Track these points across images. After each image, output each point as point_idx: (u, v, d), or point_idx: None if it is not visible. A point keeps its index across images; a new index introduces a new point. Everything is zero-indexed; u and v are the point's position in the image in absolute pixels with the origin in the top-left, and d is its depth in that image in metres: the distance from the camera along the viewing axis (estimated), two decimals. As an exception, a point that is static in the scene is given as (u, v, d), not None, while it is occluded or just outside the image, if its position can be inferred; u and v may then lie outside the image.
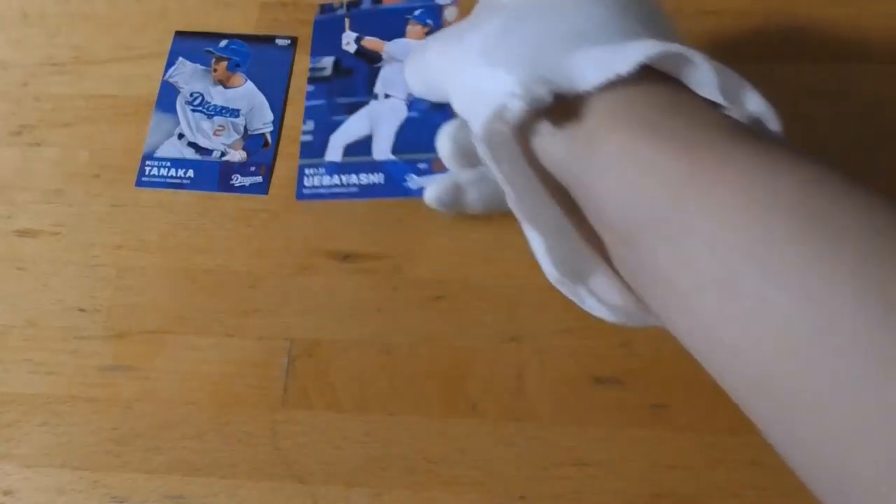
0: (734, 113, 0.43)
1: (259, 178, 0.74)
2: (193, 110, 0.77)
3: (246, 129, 0.74)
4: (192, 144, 0.76)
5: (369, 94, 0.65)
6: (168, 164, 0.75)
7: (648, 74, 0.40)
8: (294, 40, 0.75)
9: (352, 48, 0.66)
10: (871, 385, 0.28)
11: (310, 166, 0.65)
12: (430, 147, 0.58)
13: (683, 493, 0.63)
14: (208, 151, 0.75)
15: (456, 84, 0.45)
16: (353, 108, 0.66)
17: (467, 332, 0.69)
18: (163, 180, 0.75)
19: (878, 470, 0.28)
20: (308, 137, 0.66)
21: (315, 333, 0.70)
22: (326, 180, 0.65)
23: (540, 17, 0.41)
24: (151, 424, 0.68)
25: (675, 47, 0.39)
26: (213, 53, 0.78)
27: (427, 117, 0.62)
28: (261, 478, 0.66)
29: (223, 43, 0.78)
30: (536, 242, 0.46)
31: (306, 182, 0.67)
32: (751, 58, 0.76)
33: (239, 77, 0.75)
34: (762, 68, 0.76)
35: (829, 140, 0.73)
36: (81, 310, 0.73)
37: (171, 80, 0.79)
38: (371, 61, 0.66)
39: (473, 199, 0.60)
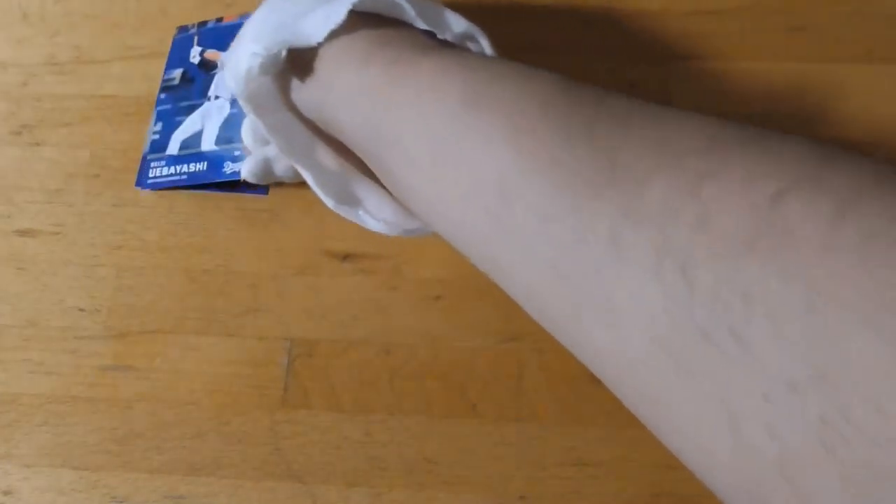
0: (448, 36, 0.53)
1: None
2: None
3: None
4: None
5: (205, 97, 0.76)
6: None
7: (368, 21, 0.48)
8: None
9: (196, 60, 0.78)
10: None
11: (155, 160, 0.75)
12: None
13: (683, 493, 0.63)
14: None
15: (230, 67, 0.55)
16: (192, 110, 0.76)
17: (467, 332, 0.69)
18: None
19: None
20: (156, 136, 0.76)
21: (315, 333, 0.70)
22: (165, 171, 0.74)
23: (292, 3, 0.51)
24: (151, 424, 0.68)
25: None
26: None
27: (243, 113, 0.71)
28: (261, 478, 0.66)
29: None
30: (310, 179, 0.55)
31: (150, 173, 0.75)
32: (751, 58, 0.76)
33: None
34: (762, 68, 0.76)
35: (828, 137, 0.73)
36: (81, 310, 0.73)
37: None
38: (209, 70, 0.77)
39: (281, 168, 0.67)
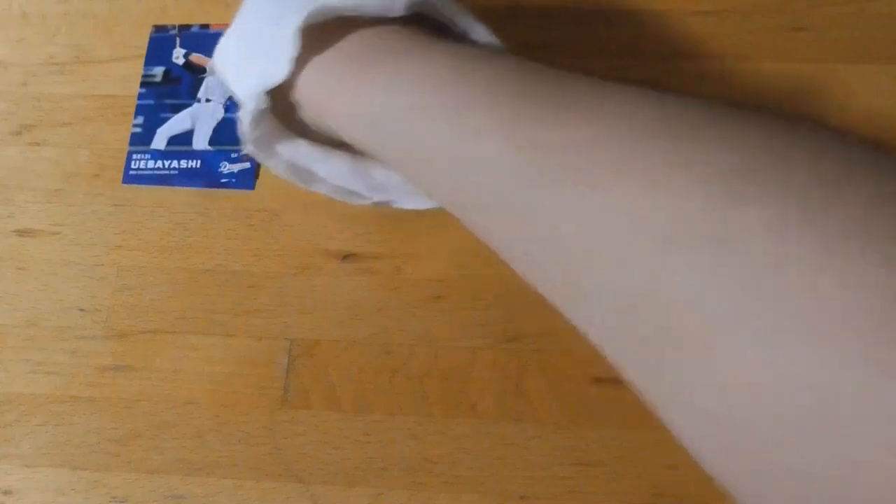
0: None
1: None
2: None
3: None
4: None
5: (193, 98, 0.79)
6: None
7: (330, 32, 0.52)
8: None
9: (180, 61, 0.81)
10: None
11: (137, 153, 0.78)
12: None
13: (683, 493, 0.63)
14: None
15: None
16: (177, 109, 0.79)
17: (467, 332, 0.69)
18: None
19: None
20: (138, 129, 0.79)
21: (315, 333, 0.70)
22: (150, 164, 0.77)
23: (252, 22, 0.57)
24: (151, 424, 0.68)
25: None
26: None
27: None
28: (261, 478, 0.66)
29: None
30: (331, 191, 0.65)
31: (132, 165, 0.77)
32: (751, 58, 0.76)
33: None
34: (763, 68, 0.76)
35: (829, 140, 0.73)
36: (81, 310, 0.73)
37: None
38: (196, 73, 0.80)
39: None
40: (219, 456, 0.67)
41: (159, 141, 0.78)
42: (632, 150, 0.36)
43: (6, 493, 0.67)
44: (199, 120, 0.78)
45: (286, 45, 0.49)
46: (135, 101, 0.80)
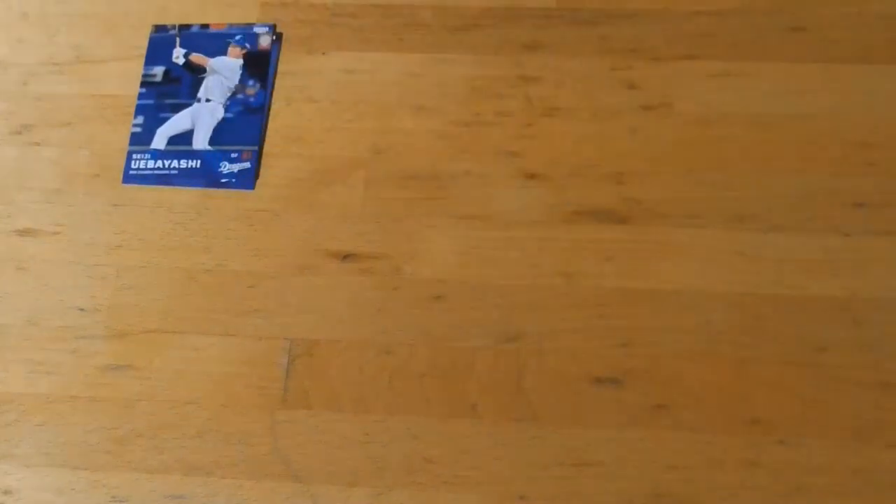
0: None
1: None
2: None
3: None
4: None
5: (193, 98, 0.79)
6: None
7: None
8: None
9: (180, 61, 0.81)
10: None
11: (137, 152, 0.78)
12: (242, 140, 0.76)
13: (683, 493, 0.63)
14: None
15: None
16: (177, 108, 0.79)
17: (467, 332, 0.69)
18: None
19: None
20: (138, 129, 0.79)
21: (315, 333, 0.70)
22: (150, 164, 0.77)
23: None
24: (151, 424, 0.68)
25: None
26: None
27: (240, 118, 0.76)
28: (261, 478, 0.66)
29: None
30: None
31: (132, 165, 0.77)
32: (751, 58, 0.76)
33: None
34: (763, 68, 0.76)
35: (829, 138, 0.73)
36: (81, 309, 0.73)
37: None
38: (195, 72, 0.80)
39: None
40: (219, 456, 0.67)
41: (159, 141, 0.78)
42: None
43: (6, 492, 0.67)
44: (199, 120, 0.78)
45: None
46: (135, 101, 0.80)
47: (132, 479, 0.67)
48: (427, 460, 0.65)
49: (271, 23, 0.81)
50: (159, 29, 0.82)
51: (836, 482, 0.63)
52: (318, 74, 0.79)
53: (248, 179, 0.75)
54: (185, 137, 0.78)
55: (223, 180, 0.75)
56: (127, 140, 0.78)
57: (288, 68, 0.79)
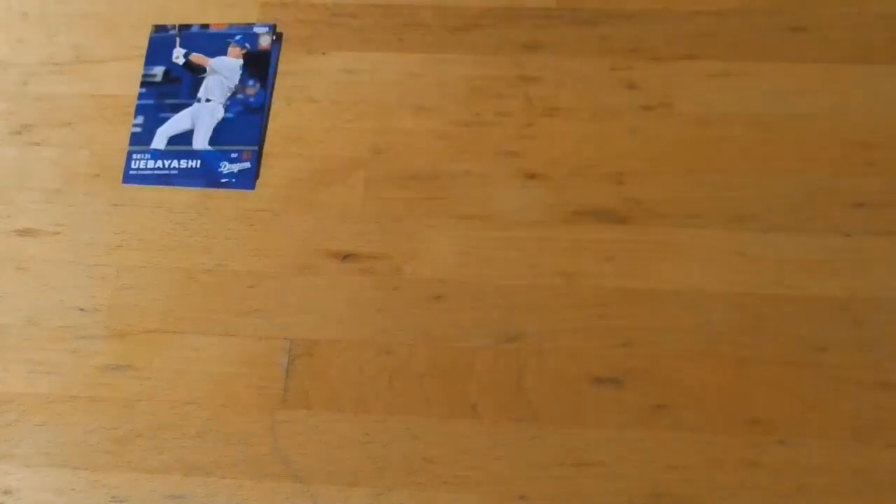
0: None
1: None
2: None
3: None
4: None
5: (193, 98, 0.79)
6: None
7: None
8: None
9: (180, 61, 0.81)
10: None
11: (137, 152, 0.78)
12: (242, 140, 0.76)
13: (683, 493, 0.63)
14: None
15: None
16: (177, 108, 0.79)
17: (467, 332, 0.69)
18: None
19: None
20: (138, 129, 0.79)
21: (315, 333, 0.70)
22: (150, 164, 0.77)
23: None
24: (151, 424, 0.68)
25: None
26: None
27: (240, 118, 0.77)
28: (261, 478, 0.66)
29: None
30: None
31: (132, 165, 0.78)
32: (751, 58, 0.76)
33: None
34: (763, 68, 0.76)
35: (829, 138, 0.73)
36: (81, 309, 0.73)
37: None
38: (195, 72, 0.81)
39: None
40: (219, 456, 0.67)
41: (159, 141, 0.78)
42: None
43: (6, 492, 0.67)
44: (199, 120, 0.78)
45: None
46: (135, 101, 0.80)
47: (132, 479, 0.67)
48: (427, 460, 0.65)
49: (271, 23, 0.81)
50: (159, 29, 0.83)
51: (836, 482, 0.63)
52: (318, 74, 0.79)
53: (248, 179, 0.75)
54: (185, 137, 0.78)
55: (223, 180, 0.75)
56: (127, 140, 0.78)
57: (288, 68, 0.79)
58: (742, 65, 0.76)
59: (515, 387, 0.67)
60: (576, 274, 0.70)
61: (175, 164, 0.77)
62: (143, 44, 0.82)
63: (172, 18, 0.83)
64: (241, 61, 0.80)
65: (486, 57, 0.78)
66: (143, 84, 0.80)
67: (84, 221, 0.76)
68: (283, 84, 0.79)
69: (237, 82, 0.79)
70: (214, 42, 0.78)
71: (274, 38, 0.80)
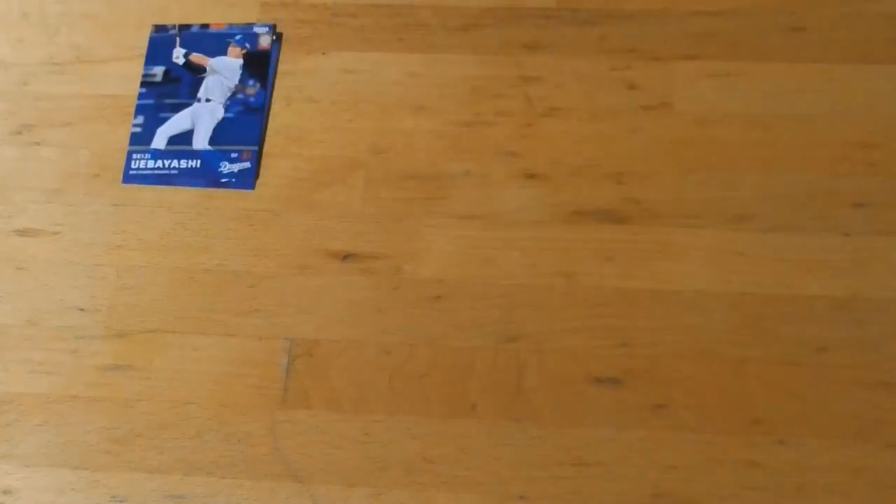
0: None
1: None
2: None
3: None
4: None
5: (193, 98, 0.79)
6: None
7: None
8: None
9: (180, 61, 0.81)
10: None
11: (137, 152, 0.78)
12: (242, 140, 0.76)
13: (683, 493, 0.63)
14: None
15: None
16: (177, 108, 0.79)
17: (467, 332, 0.69)
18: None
19: None
20: (138, 129, 0.79)
21: (315, 333, 0.70)
22: (150, 164, 0.77)
23: None
24: (151, 424, 0.68)
25: None
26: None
27: (240, 118, 0.77)
28: (261, 478, 0.66)
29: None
30: None
31: (132, 165, 0.78)
32: (751, 58, 0.76)
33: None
34: (763, 68, 0.76)
35: (829, 138, 0.73)
36: (81, 309, 0.73)
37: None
38: (195, 72, 0.81)
39: None
40: (219, 456, 0.67)
41: (159, 141, 0.78)
42: None
43: (6, 492, 0.67)
44: (199, 120, 0.78)
45: None
46: (135, 101, 0.80)
47: (132, 479, 0.67)
48: (427, 460, 0.65)
49: (271, 23, 0.81)
50: (159, 29, 0.83)
51: (836, 482, 0.63)
52: (318, 74, 0.79)
53: (248, 179, 0.75)
54: (185, 137, 0.78)
55: (223, 180, 0.75)
56: (127, 140, 0.78)
57: (288, 68, 0.79)
58: (742, 65, 0.76)
59: (515, 387, 0.67)
60: (576, 274, 0.70)
61: (175, 164, 0.76)
62: (143, 44, 0.82)
63: (172, 18, 0.83)
64: (241, 61, 0.80)
65: (486, 57, 0.78)
66: (143, 84, 0.80)
67: (84, 221, 0.76)
68: (283, 84, 0.79)
69: (237, 82, 0.79)
70: (214, 42, 0.78)
71: (274, 38, 0.80)
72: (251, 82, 0.79)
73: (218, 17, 0.82)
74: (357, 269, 0.72)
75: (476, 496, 0.64)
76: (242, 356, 0.70)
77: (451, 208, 0.73)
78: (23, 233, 0.76)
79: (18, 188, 0.78)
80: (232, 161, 0.76)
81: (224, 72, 0.79)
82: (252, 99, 0.78)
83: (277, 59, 0.80)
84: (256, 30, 0.81)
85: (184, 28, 0.82)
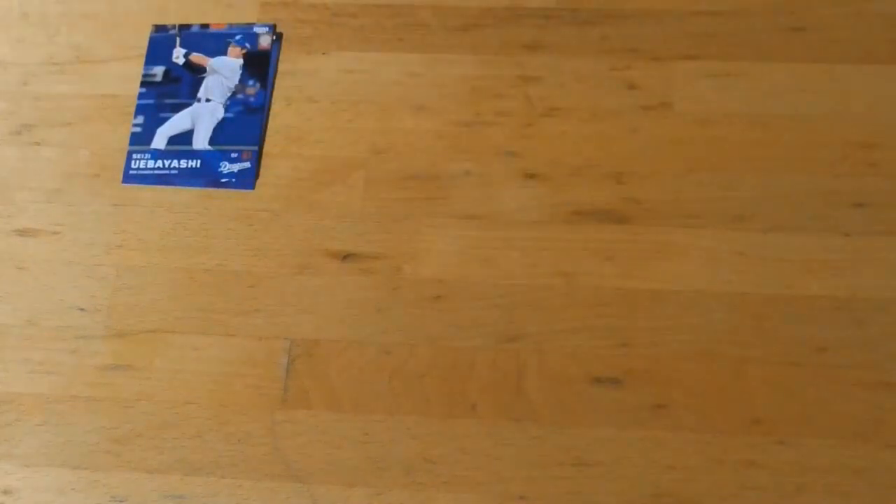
0: None
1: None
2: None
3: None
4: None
5: (193, 98, 0.80)
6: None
7: None
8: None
9: (180, 61, 0.81)
10: None
11: (137, 152, 0.78)
12: (242, 140, 0.76)
13: (683, 493, 0.63)
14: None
15: None
16: (177, 108, 0.79)
17: (467, 332, 0.69)
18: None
19: None
20: (138, 129, 0.79)
21: (315, 333, 0.70)
22: (150, 164, 0.77)
23: None
24: (151, 424, 0.68)
25: None
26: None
27: (240, 118, 0.77)
28: (261, 478, 0.66)
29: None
30: None
31: (132, 165, 0.78)
32: (751, 58, 0.76)
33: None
34: (763, 68, 0.76)
35: (829, 138, 0.73)
36: (81, 309, 0.73)
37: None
38: (195, 72, 0.81)
39: None
40: (219, 456, 0.67)
41: (159, 141, 0.78)
42: None
43: (6, 492, 0.67)
44: (199, 120, 0.78)
45: None
46: (135, 101, 0.80)
47: (132, 479, 0.67)
48: (427, 460, 0.65)
49: (271, 23, 0.81)
50: (159, 29, 0.83)
51: (836, 482, 0.63)
52: (318, 74, 0.79)
53: (248, 179, 0.75)
54: (185, 137, 0.78)
55: (223, 180, 0.76)
56: (127, 140, 0.78)
57: (288, 68, 0.79)
58: (742, 65, 0.76)
59: (515, 387, 0.67)
60: (576, 274, 0.70)
61: (175, 163, 0.77)
62: (143, 44, 0.82)
63: (172, 18, 0.83)
64: (241, 61, 0.80)
65: (486, 57, 0.78)
66: (143, 84, 0.80)
67: (84, 221, 0.76)
68: (283, 84, 0.79)
69: (237, 82, 0.79)
70: (214, 42, 0.78)
71: (274, 38, 0.80)
72: (251, 82, 0.79)
73: (218, 17, 0.82)
74: (357, 269, 0.72)
75: (476, 496, 0.64)
76: (242, 356, 0.70)
77: (451, 208, 0.73)
78: (23, 233, 0.76)
79: (18, 188, 0.78)
80: (232, 161, 0.76)
81: (224, 72, 0.79)
82: (252, 99, 0.78)
83: (277, 59, 0.80)
84: (256, 30, 0.81)
85: (184, 28, 0.82)
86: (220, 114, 0.78)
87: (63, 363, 0.71)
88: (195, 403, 0.69)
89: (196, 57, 0.81)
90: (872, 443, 0.64)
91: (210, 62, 0.79)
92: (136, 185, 0.77)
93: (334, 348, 0.69)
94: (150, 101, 0.79)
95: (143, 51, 0.82)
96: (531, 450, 0.65)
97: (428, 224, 0.72)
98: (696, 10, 0.78)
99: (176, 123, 0.78)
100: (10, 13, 0.85)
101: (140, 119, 0.79)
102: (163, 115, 0.79)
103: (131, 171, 0.77)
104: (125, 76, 0.81)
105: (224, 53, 0.81)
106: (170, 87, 0.80)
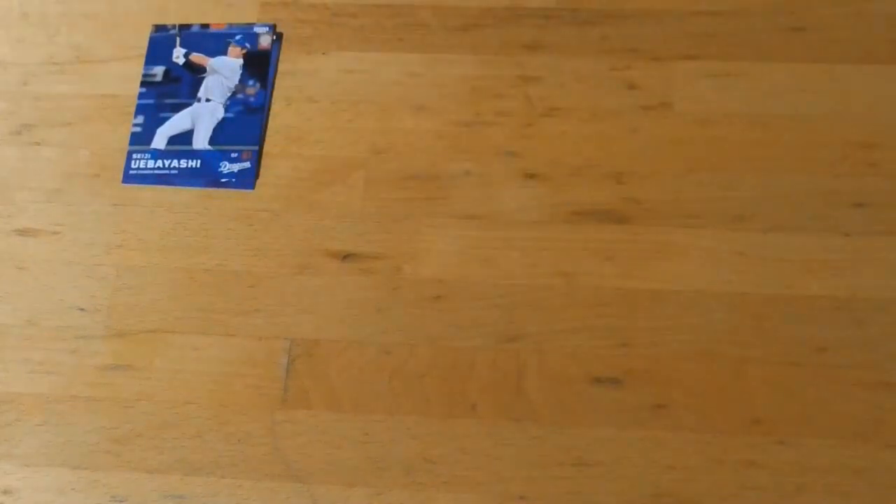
0: None
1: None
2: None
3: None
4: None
5: (193, 98, 0.80)
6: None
7: None
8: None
9: (181, 61, 0.81)
10: None
11: (137, 152, 0.78)
12: (242, 140, 0.76)
13: (683, 493, 0.63)
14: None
15: None
16: (177, 108, 0.80)
17: (467, 332, 0.69)
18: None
19: None
20: (138, 129, 0.79)
21: (315, 333, 0.70)
22: (150, 164, 0.77)
23: None
24: (151, 424, 0.68)
25: None
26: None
27: (240, 118, 0.77)
28: (261, 478, 0.66)
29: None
30: None
31: (132, 165, 0.78)
32: (751, 58, 0.76)
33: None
34: (763, 68, 0.76)
35: (829, 138, 0.73)
36: (81, 309, 0.73)
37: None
38: (195, 72, 0.81)
39: None
40: (219, 456, 0.67)
41: (159, 141, 0.78)
42: None
43: (6, 492, 0.67)
44: (199, 120, 0.78)
45: None
46: (135, 101, 0.80)
47: (132, 479, 0.67)
48: (427, 460, 0.65)
49: (271, 23, 0.81)
50: (159, 29, 0.83)
51: (836, 482, 0.63)
52: (318, 74, 0.79)
53: (248, 179, 0.75)
54: (185, 137, 0.78)
55: (223, 180, 0.76)
56: (127, 140, 0.78)
57: (288, 68, 0.80)
58: (742, 65, 0.76)
59: (515, 387, 0.67)
60: (576, 274, 0.70)
61: (175, 163, 0.77)
62: (143, 44, 0.82)
63: (172, 18, 0.83)
64: (241, 61, 0.80)
65: (486, 57, 0.78)
66: (143, 84, 0.80)
67: (84, 221, 0.76)
68: (283, 84, 0.79)
69: (237, 82, 0.79)
70: (214, 42, 0.78)
71: (274, 38, 0.80)
72: (251, 82, 0.79)
73: (218, 17, 0.82)
74: (357, 269, 0.72)
75: (476, 496, 0.64)
76: (242, 356, 0.70)
77: (451, 208, 0.73)
78: (23, 233, 0.76)
79: (18, 188, 0.78)
80: (232, 161, 0.76)
81: (224, 72, 0.79)
82: (252, 99, 0.78)
83: (277, 59, 0.80)
84: (256, 30, 0.81)
85: (184, 28, 0.82)
86: (220, 114, 0.78)
87: (63, 363, 0.71)
88: (195, 403, 0.69)
89: (196, 57, 0.81)
90: (872, 443, 0.64)
91: (210, 62, 0.79)
92: (136, 185, 0.77)
93: (334, 348, 0.69)
94: (150, 101, 0.79)
95: (143, 51, 0.82)
96: (531, 450, 0.65)
97: (428, 224, 0.72)
98: (696, 10, 0.78)
99: (176, 123, 0.78)
100: (10, 13, 0.85)
101: (140, 119, 0.79)
102: (163, 115, 0.79)
103: (131, 171, 0.77)
104: (125, 76, 0.81)
105: (224, 53, 0.81)
106: (170, 87, 0.80)
